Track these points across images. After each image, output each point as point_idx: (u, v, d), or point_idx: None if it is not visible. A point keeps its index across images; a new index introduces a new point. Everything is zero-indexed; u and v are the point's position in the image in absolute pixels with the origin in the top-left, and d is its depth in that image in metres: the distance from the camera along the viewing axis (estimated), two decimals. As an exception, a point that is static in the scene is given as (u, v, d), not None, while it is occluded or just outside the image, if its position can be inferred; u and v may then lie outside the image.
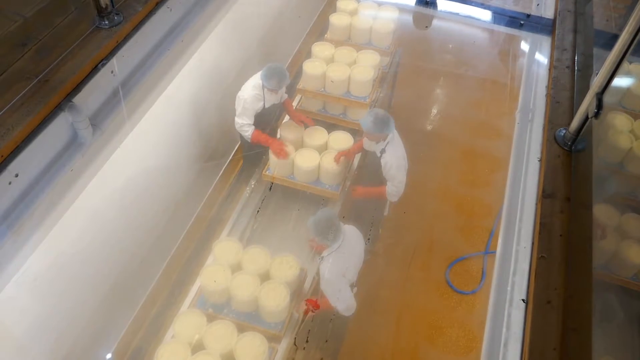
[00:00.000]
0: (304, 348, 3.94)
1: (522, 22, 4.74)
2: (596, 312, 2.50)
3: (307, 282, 4.29)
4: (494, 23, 5.07)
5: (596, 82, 2.79)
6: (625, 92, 4.91)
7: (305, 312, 3.96)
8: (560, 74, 3.68)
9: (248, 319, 4.01)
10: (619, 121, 4.71)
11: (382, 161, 4.50)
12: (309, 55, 5.56)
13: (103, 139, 3.26)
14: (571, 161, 3.11)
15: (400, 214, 5.25)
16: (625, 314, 3.81)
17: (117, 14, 3.37)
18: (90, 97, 3.08)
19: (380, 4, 5.94)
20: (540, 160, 3.30)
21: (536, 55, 4.44)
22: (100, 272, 4.25)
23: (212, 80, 5.25)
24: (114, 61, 3.23)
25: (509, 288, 2.88)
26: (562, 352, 2.36)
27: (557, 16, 4.22)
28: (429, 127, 6.62)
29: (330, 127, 5.28)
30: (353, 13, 5.83)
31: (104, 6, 3.28)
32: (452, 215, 5.82)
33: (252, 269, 4.09)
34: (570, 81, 3.62)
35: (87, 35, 3.23)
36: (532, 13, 4.67)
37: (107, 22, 3.31)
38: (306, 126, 5.06)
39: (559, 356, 2.35)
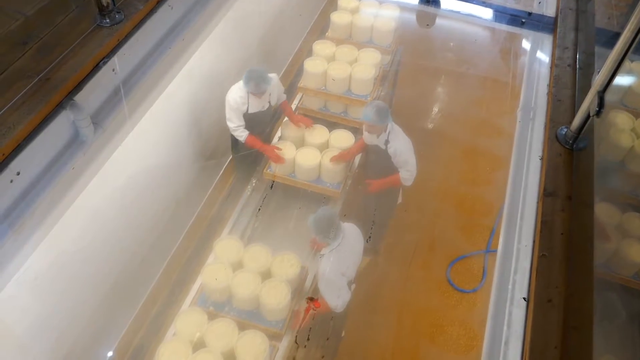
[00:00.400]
0: (305, 346, 3.94)
1: (523, 20, 4.73)
2: (597, 311, 2.50)
3: (308, 280, 4.29)
4: (496, 21, 5.06)
5: (598, 80, 2.78)
6: (627, 90, 4.90)
7: (307, 310, 3.97)
8: (562, 72, 3.67)
9: (249, 317, 4.02)
10: (621, 120, 4.71)
11: (391, 151, 4.53)
12: (310, 53, 5.56)
13: (104, 137, 3.27)
14: (572, 159, 3.11)
15: (401, 212, 5.25)
16: (626, 313, 3.81)
17: (118, 12, 3.37)
18: (91, 95, 3.08)
19: (381, 2, 5.94)
20: (541, 159, 3.30)
21: (537, 53, 4.43)
22: (102, 271, 4.25)
23: (213, 78, 5.25)
24: (115, 59, 3.23)
25: (510, 286, 2.88)
26: (563, 351, 2.36)
27: (559, 14, 4.21)
28: (430, 126, 6.61)
29: (332, 125, 5.28)
30: (354, 11, 5.83)
31: (105, 4, 3.28)
32: (453, 214, 5.81)
33: (253, 267, 4.09)
34: (572, 79, 3.61)
35: (88, 33, 3.23)
36: (534, 11, 4.66)
37: (108, 20, 3.31)
38: (306, 127, 5.07)
39: (560, 355, 2.35)
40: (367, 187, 4.79)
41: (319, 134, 5.06)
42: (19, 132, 2.68)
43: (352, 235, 4.08)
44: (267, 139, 5.13)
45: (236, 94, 4.68)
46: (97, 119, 3.17)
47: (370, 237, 4.65)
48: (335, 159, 4.80)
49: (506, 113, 5.75)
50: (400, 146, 4.53)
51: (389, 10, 5.85)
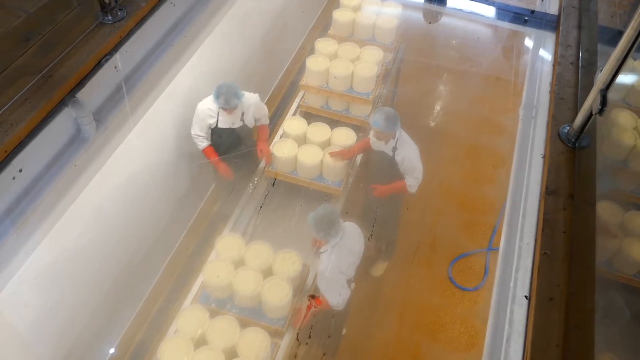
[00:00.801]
0: (306, 344, 3.94)
1: (526, 18, 4.72)
2: (599, 309, 2.49)
3: (309, 278, 4.30)
4: (498, 19, 5.05)
5: (600, 78, 2.78)
6: (630, 89, 4.89)
7: (308, 308, 3.97)
8: (565, 71, 3.66)
9: (250, 315, 4.02)
10: (623, 118, 4.70)
11: (398, 158, 4.50)
12: (312, 51, 5.56)
13: (106, 134, 3.27)
14: (575, 158, 3.10)
15: (403, 210, 5.25)
16: (628, 311, 3.80)
17: (120, 10, 3.37)
18: (93, 92, 3.08)
19: (383, 0, 5.93)
20: (543, 157, 3.29)
21: (540, 51, 4.42)
22: (104, 268, 4.26)
23: (215, 75, 5.25)
24: (118, 56, 3.23)
25: (511, 285, 2.87)
26: (565, 349, 2.36)
27: (562, 12, 4.20)
28: (432, 124, 6.60)
29: (333, 123, 5.28)
30: (356, 9, 5.82)
31: (107, 1, 3.28)
32: (455, 212, 5.81)
33: (255, 265, 4.09)
34: (575, 78, 3.60)
35: (90, 30, 3.23)
36: (536, 9, 4.65)
37: (110, 17, 3.31)
38: (263, 159, 4.99)
39: (562, 353, 2.35)
40: (372, 191, 4.77)
41: (320, 131, 5.06)
42: (22, 129, 2.68)
43: (352, 234, 4.08)
44: (250, 157, 5.01)
45: (205, 106, 4.63)
46: (100, 116, 3.17)
47: (371, 235, 4.65)
48: (335, 155, 4.78)
49: (508, 111, 5.74)
50: (408, 153, 4.50)
51: (392, 8, 5.85)
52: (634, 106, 4.79)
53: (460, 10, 5.24)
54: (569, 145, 3.16)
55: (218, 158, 4.80)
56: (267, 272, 4.10)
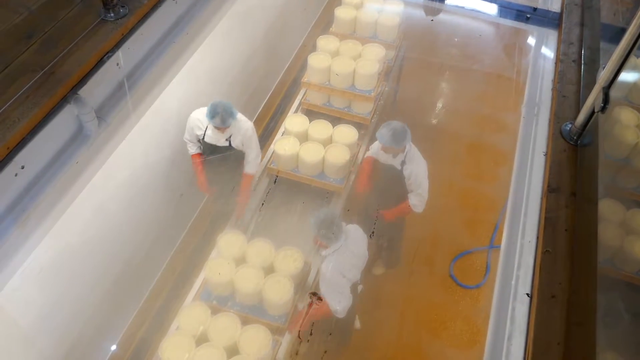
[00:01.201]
0: (307, 341, 3.95)
1: (528, 15, 4.71)
2: (600, 307, 2.49)
3: (311, 276, 4.30)
4: (500, 16, 5.04)
5: (603, 76, 2.77)
6: (632, 86, 4.87)
7: (310, 305, 3.97)
8: (567, 68, 3.66)
9: (252, 312, 4.03)
10: (625, 116, 4.68)
11: (406, 172, 4.43)
12: (314, 48, 5.55)
13: (108, 131, 3.27)
14: (577, 156, 3.10)
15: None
16: (630, 309, 3.80)
17: (122, 7, 3.36)
18: (95, 89, 3.08)
19: (385, -3, 5.92)
20: (545, 155, 3.29)
21: (542, 49, 4.41)
22: (105, 265, 4.27)
23: (216, 72, 5.25)
24: (120, 54, 3.23)
25: (513, 282, 2.87)
26: (566, 347, 2.36)
27: (564, 10, 4.19)
28: (434, 121, 6.60)
29: (335, 120, 5.28)
30: (358, 6, 5.81)
31: (109, -2, 3.28)
32: (457, 210, 5.81)
33: (256, 262, 4.10)
34: (577, 75, 3.60)
35: (92, 27, 3.22)
36: (539, 6, 4.64)
37: (112, 14, 3.30)
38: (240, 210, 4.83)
39: (563, 350, 2.35)
40: (380, 217, 4.74)
41: (322, 129, 5.06)
42: (24, 126, 2.68)
43: (355, 237, 4.04)
44: (232, 173, 4.81)
45: (196, 116, 4.55)
46: (101, 113, 3.18)
47: (373, 233, 4.65)
48: (359, 188, 4.69)
49: (510, 109, 5.74)
50: (416, 170, 4.44)
51: (394, 6, 5.84)
52: (636, 104, 4.77)
53: (462, 7, 5.23)
54: (571, 142, 3.16)
55: (201, 169, 4.73)
56: (269, 270, 4.10)
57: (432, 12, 5.67)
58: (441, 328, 4.97)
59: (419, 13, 6.18)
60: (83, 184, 3.28)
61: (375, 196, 4.81)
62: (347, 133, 5.04)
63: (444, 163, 6.11)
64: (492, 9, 5.05)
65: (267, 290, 3.95)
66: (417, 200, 4.53)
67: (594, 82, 2.93)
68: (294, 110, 5.48)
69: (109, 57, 3.16)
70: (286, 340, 3.96)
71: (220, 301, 4.08)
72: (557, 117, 3.32)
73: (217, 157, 4.69)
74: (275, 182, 5.06)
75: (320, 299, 3.95)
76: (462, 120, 6.59)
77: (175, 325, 3.92)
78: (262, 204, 4.91)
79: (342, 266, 3.86)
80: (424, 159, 4.52)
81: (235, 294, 4.08)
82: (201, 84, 4.99)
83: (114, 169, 3.80)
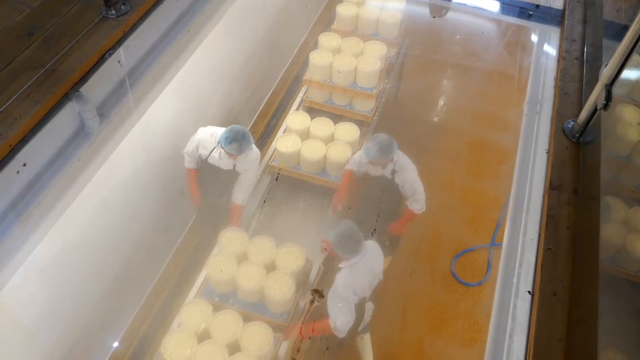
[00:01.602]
0: (309, 338, 3.95)
1: (530, 12, 4.70)
2: (602, 305, 2.49)
3: (312, 273, 4.31)
4: (503, 14, 5.04)
5: (605, 73, 2.77)
6: (635, 84, 4.85)
7: (311, 303, 3.98)
8: (569, 65, 3.65)
9: (253, 309, 4.04)
10: (628, 113, 4.66)
11: (398, 181, 4.42)
12: (315, 45, 5.55)
13: (110, 128, 3.27)
14: (579, 153, 3.10)
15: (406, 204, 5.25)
16: (632, 307, 3.80)
17: (123, 4, 3.36)
18: (97, 87, 3.08)
19: (387, -6, 5.92)
20: (547, 152, 3.29)
21: (545, 46, 4.41)
22: (107, 262, 4.28)
23: (218, 70, 5.25)
24: (121, 51, 3.23)
25: (514, 280, 2.88)
26: (568, 344, 2.36)
27: (567, 7, 4.18)
28: (436, 119, 6.59)
29: (337, 118, 5.28)
30: (360, 3, 5.81)
31: (110, -4, 3.28)
32: (459, 207, 5.80)
33: (258, 260, 4.10)
34: (579, 72, 3.59)
35: (93, 24, 3.22)
36: (541, 3, 4.63)
37: (113, 11, 3.30)
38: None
39: (565, 348, 2.35)
40: (390, 233, 4.73)
41: (324, 126, 5.06)
42: (26, 123, 2.68)
43: (373, 254, 3.98)
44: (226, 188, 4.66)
45: (203, 136, 4.38)
46: (103, 110, 3.18)
47: (374, 230, 4.65)
48: (335, 206, 4.61)
49: (513, 106, 5.72)
50: (409, 177, 4.42)
51: (395, 3, 5.83)
52: (639, 101, 4.76)
53: (464, 4, 5.23)
54: (573, 140, 3.16)
55: (196, 186, 4.60)
56: (270, 267, 4.10)
57: (437, 12, 5.67)
58: (442, 325, 4.97)
59: (421, 10, 6.17)
60: (85, 182, 3.28)
61: (373, 207, 4.78)
62: (348, 131, 5.04)
63: (446, 160, 6.10)
64: (495, 6, 5.04)
65: (268, 287, 3.95)
66: (417, 204, 4.53)
67: (596, 80, 2.92)
68: (295, 107, 5.47)
69: (110, 55, 3.16)
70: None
71: (222, 298, 4.08)
72: (559, 115, 3.31)
73: (212, 175, 4.57)
74: (276, 179, 5.06)
75: (322, 296, 3.95)
76: (464, 117, 6.58)
77: (177, 322, 3.93)
78: (264, 201, 4.92)
79: (356, 282, 3.80)
80: (412, 163, 4.50)
81: (237, 291, 4.08)
82: (203, 82, 4.99)
83: (116, 166, 3.80)
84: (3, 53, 2.98)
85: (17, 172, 2.68)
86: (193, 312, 3.88)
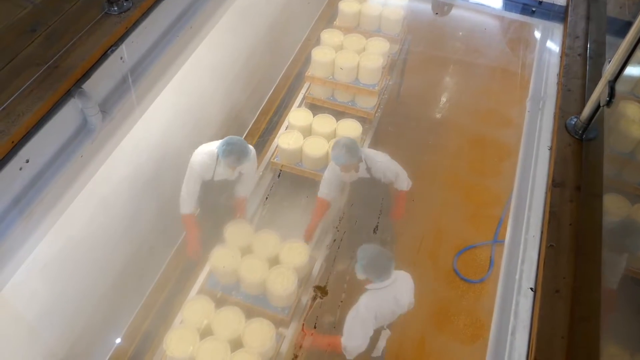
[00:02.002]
0: (311, 334, 3.96)
1: (533, 9, 4.68)
2: (604, 302, 2.49)
3: (315, 269, 4.31)
4: (505, 10, 5.02)
5: (609, 70, 2.76)
6: (638, 80, 4.84)
7: (313, 299, 3.98)
8: (572, 62, 3.64)
9: (256, 302, 4.07)
10: (631, 110, 4.65)
11: (377, 175, 4.44)
12: (317, 42, 5.54)
13: (112, 125, 3.27)
14: (582, 150, 3.09)
15: (408, 202, 5.25)
16: (635, 305, 3.80)
17: (126, 0, 3.36)
18: (99, 83, 3.08)
19: (390, -9, 5.90)
20: (550, 149, 3.28)
21: (548, 42, 4.39)
22: (110, 258, 4.28)
23: (220, 67, 5.24)
24: (123, 47, 3.23)
25: (517, 277, 2.87)
26: (570, 341, 2.35)
27: (570, 3, 4.16)
28: (438, 115, 6.58)
29: (339, 114, 5.27)
30: (362, 0, 5.79)
31: (112, -8, 3.28)
32: (461, 204, 5.80)
33: (262, 253, 4.15)
34: (582, 69, 3.58)
35: (96, 21, 3.22)
36: (544, 0, 4.61)
37: (116, 8, 3.30)
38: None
39: (567, 345, 2.35)
40: (393, 219, 4.75)
41: (326, 123, 5.05)
42: (28, 119, 2.68)
43: (402, 284, 3.90)
44: (222, 210, 4.63)
45: (202, 158, 4.22)
46: (105, 107, 3.18)
47: (377, 227, 4.65)
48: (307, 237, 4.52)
49: (515, 103, 5.71)
50: (383, 166, 4.42)
51: (398, -1, 5.82)
52: (642, 98, 4.75)
53: (467, 1, 5.21)
54: (576, 137, 3.15)
55: (195, 233, 4.41)
56: (274, 261, 4.13)
57: (440, 9, 5.65)
58: (445, 322, 4.97)
59: (424, 6, 6.15)
60: (87, 178, 3.29)
61: (370, 209, 4.78)
62: (350, 127, 5.03)
63: (448, 157, 6.10)
64: (497, 3, 5.03)
65: (271, 281, 3.98)
66: (403, 182, 4.53)
67: (599, 76, 2.91)
68: (297, 104, 5.47)
69: (112, 51, 3.16)
70: (290, 333, 3.97)
71: (225, 290, 4.12)
72: (562, 111, 3.30)
73: (216, 195, 4.48)
74: (279, 176, 5.06)
75: (325, 292, 3.96)
76: (467, 114, 6.57)
77: (179, 319, 3.94)
78: (266, 197, 4.92)
79: (380, 309, 3.75)
80: (379, 152, 4.52)
81: (240, 284, 4.11)
82: (205, 78, 4.99)
83: (118, 162, 3.80)
84: (5, 50, 2.98)
85: (20, 169, 2.69)
86: (195, 308, 3.89)
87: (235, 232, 4.28)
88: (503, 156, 6.07)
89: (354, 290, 4.08)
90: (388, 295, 3.78)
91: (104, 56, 3.11)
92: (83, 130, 3.07)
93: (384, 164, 4.45)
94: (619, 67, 2.71)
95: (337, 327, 4.24)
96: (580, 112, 3.16)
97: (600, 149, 3.09)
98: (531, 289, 2.75)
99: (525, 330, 2.64)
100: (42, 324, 3.71)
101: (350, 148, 4.22)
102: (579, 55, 3.69)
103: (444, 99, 6.77)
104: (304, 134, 4.97)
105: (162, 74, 3.69)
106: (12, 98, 2.74)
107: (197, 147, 5.08)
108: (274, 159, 5.03)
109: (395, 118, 5.86)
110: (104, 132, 3.20)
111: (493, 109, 6.53)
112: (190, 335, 3.72)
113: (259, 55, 5.90)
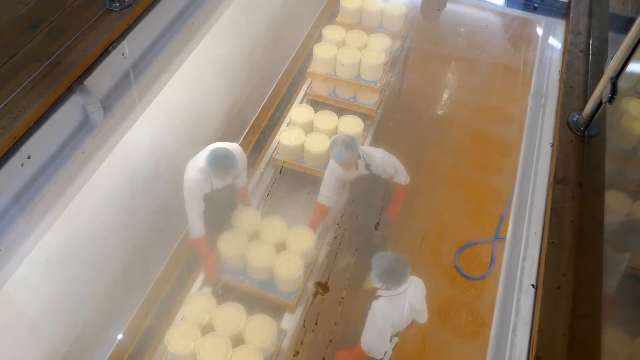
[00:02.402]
0: (312, 330, 3.97)
1: (536, 5, 4.67)
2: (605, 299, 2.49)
3: (320, 257, 4.39)
4: (507, 6, 5.01)
5: (611, 66, 2.75)
6: (640, 77, 4.83)
7: (315, 295, 4.00)
8: (574, 58, 3.63)
9: (262, 286, 4.15)
10: (633, 107, 4.64)
11: (377, 171, 4.44)
12: (319, 38, 5.53)
13: (114, 121, 3.27)
14: (584, 147, 3.09)
15: (409, 198, 5.25)
16: (636, 302, 3.79)
17: (127, -4, 3.35)
18: (101, 79, 3.08)
19: (392, -13, 5.88)
20: (552, 146, 3.27)
21: (550, 39, 4.38)
22: (111, 254, 4.29)
23: (222, 63, 5.24)
24: (125, 43, 3.23)
25: (518, 273, 2.88)
26: (571, 338, 2.36)
27: (572, -1, 4.16)
28: (440, 112, 6.57)
29: (341, 111, 5.27)
30: (364, -4, 5.78)
31: (114, -12, 3.27)
32: (462, 201, 5.80)
33: (270, 239, 4.23)
34: (584, 65, 3.57)
35: (97, 17, 3.22)
36: (547, -4, 4.61)
37: (117, 4, 3.29)
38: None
39: (568, 342, 2.35)
40: (390, 217, 4.74)
41: (328, 119, 5.05)
42: (30, 115, 2.69)
43: (416, 293, 3.87)
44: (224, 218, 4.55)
45: (197, 176, 4.15)
46: (107, 103, 3.18)
47: (378, 224, 4.65)
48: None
49: (517, 99, 5.70)
50: (381, 163, 4.42)
51: (400, -5, 5.80)
52: (644, 95, 4.74)
53: (468, -2, 5.20)
54: (578, 133, 3.14)
55: (209, 255, 4.31)
56: (281, 247, 4.22)
57: (438, 5, 5.64)
58: (446, 319, 4.97)
59: (426, 3, 6.14)
60: (89, 174, 3.29)
61: (372, 206, 4.78)
62: (352, 124, 5.03)
63: (450, 154, 6.10)
64: (500, -1, 5.01)
65: (277, 266, 4.04)
66: (402, 177, 4.54)
67: (601, 73, 2.91)
68: (299, 100, 5.46)
69: (114, 47, 3.16)
70: (291, 329, 3.98)
71: (232, 275, 4.22)
72: (564, 108, 3.30)
73: (221, 201, 4.47)
74: (280, 172, 5.06)
75: (326, 289, 3.97)
76: (468, 111, 6.56)
77: (181, 315, 3.95)
78: (267, 194, 4.92)
79: (396, 315, 3.74)
80: (376, 148, 4.53)
81: (247, 268, 4.19)
82: (207, 74, 4.98)
83: (120, 158, 3.80)
84: (7, 46, 2.98)
85: (22, 165, 2.69)
86: (197, 304, 3.91)
87: (242, 218, 4.35)
88: (505, 153, 6.06)
89: (355, 287, 4.09)
90: (402, 303, 3.75)
91: (105, 52, 3.11)
92: (85, 126, 3.07)
93: (382, 159, 4.46)
94: (622, 64, 2.71)
95: (338, 323, 4.26)
96: (582, 109, 3.16)
97: (602, 146, 3.09)
98: (532, 285, 2.75)
99: (526, 326, 2.64)
100: (44, 319, 3.72)
101: (349, 144, 4.23)
102: (581, 51, 3.68)
103: (445, 96, 6.76)
104: (305, 131, 4.97)
105: (164, 70, 3.69)
106: (13, 94, 2.74)
107: (198, 144, 5.07)
108: (275, 156, 5.03)
109: (397, 115, 5.86)
110: (105, 128, 3.20)
111: (495, 106, 6.52)
112: (192, 331, 3.73)
113: (261, 51, 5.90)
